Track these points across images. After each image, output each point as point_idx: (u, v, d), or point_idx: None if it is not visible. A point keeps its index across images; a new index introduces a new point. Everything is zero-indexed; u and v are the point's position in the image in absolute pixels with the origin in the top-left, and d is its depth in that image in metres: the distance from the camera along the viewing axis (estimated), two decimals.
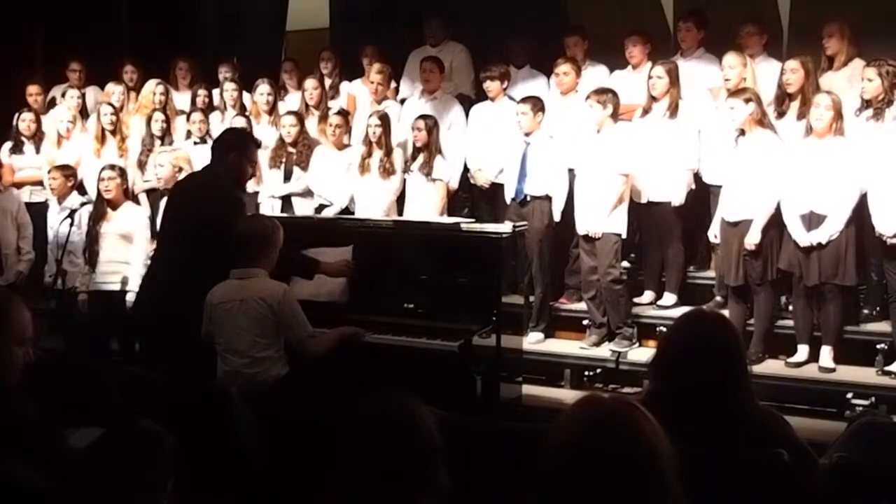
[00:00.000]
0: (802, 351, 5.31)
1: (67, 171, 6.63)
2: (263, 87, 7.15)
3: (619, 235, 5.72)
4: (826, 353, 5.22)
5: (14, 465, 2.40)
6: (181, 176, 5.73)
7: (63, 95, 7.81)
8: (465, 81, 7.21)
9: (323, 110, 7.03)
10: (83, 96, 7.81)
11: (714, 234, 5.58)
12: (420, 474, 2.10)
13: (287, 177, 6.71)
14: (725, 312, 5.23)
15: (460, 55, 7.26)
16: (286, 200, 6.74)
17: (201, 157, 6.59)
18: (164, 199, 5.39)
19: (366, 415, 2.17)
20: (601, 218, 5.69)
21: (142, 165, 7.04)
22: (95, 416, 2.52)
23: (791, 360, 5.31)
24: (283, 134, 6.71)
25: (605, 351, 5.76)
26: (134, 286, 5.62)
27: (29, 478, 2.36)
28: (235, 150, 4.50)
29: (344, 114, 6.80)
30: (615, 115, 5.76)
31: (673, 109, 5.77)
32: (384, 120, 6.40)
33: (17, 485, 2.35)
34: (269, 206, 6.70)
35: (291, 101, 7.43)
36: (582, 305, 6.03)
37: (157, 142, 7.00)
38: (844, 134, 5.10)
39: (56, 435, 2.60)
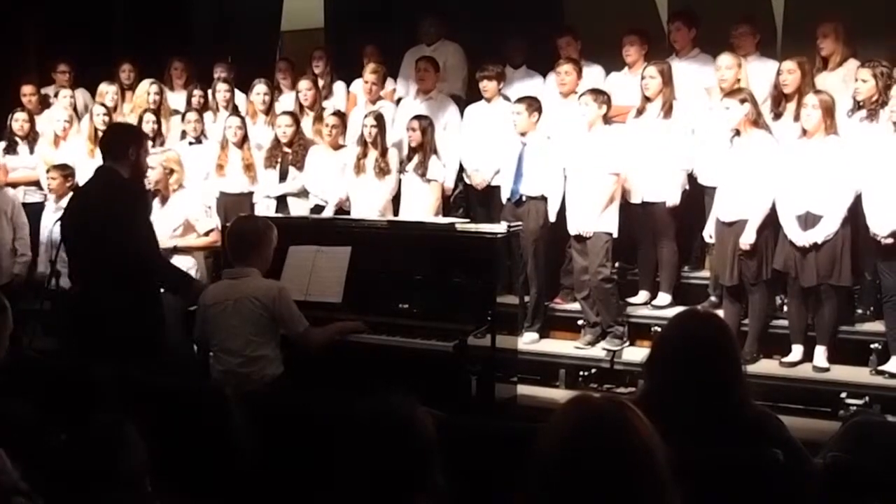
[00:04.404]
0: (797, 350, 5.32)
1: (66, 170, 6.59)
2: (260, 87, 7.12)
3: (610, 235, 5.72)
4: (820, 353, 5.23)
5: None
6: (172, 178, 5.69)
7: (55, 95, 7.77)
8: (457, 81, 7.20)
9: (317, 111, 7.02)
10: (74, 97, 7.77)
11: (709, 233, 5.58)
12: (417, 475, 2.10)
13: (283, 177, 6.69)
14: (720, 312, 5.25)
15: (455, 54, 7.24)
16: (281, 201, 6.72)
17: (196, 158, 6.60)
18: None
19: (365, 415, 2.17)
20: (592, 217, 5.69)
21: None
22: (89, 417, 2.52)
23: (785, 359, 5.32)
24: (279, 134, 6.67)
25: (599, 351, 5.77)
26: None
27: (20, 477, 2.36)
28: (133, 144, 4.52)
29: (340, 114, 6.78)
30: (607, 117, 5.77)
31: (667, 110, 5.77)
32: (380, 120, 6.38)
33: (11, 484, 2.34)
34: (265, 206, 6.68)
35: (286, 101, 7.41)
36: (577, 305, 6.03)
37: (149, 143, 6.95)
38: (839, 134, 5.11)
39: (50, 435, 2.59)
